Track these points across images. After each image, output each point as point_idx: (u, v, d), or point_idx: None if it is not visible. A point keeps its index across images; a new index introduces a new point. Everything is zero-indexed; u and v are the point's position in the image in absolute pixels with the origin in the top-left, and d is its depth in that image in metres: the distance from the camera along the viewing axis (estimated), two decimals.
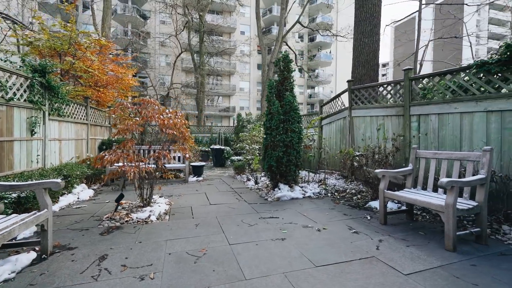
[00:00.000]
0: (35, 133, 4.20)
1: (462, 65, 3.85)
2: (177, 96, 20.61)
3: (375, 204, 4.11)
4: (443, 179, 2.48)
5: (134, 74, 28.62)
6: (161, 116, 3.49)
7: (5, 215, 2.26)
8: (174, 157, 7.08)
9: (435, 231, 3.04)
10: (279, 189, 4.97)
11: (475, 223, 2.98)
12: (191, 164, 7.32)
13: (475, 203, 2.69)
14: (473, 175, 2.86)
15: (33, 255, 2.28)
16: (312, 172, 7.09)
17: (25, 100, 3.99)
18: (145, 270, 2.13)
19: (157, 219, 3.52)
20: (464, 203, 2.73)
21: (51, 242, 2.43)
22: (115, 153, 3.18)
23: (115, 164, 3.64)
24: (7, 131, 3.63)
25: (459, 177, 3.05)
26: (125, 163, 3.27)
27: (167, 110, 4.03)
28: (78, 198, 4.50)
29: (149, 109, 3.48)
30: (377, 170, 3.33)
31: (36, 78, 4.14)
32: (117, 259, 2.32)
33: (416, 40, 10.86)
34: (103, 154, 3.17)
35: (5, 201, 2.87)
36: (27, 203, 3.18)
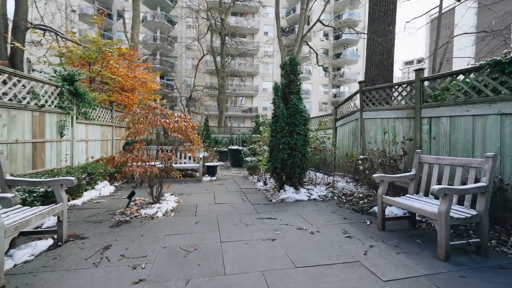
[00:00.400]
0: (64, 135, 4.76)
1: (474, 65, 3.60)
2: (199, 98, 21.37)
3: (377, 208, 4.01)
4: (435, 186, 2.41)
5: (161, 76, 29.96)
6: (167, 120, 3.76)
7: (29, 207, 2.66)
8: (190, 157, 7.43)
9: (434, 239, 2.90)
10: (284, 190, 5.04)
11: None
12: (206, 164, 7.63)
13: (474, 212, 2.55)
14: (476, 182, 2.71)
15: (50, 242, 2.65)
16: (326, 174, 7.03)
17: (55, 106, 4.54)
18: (139, 260, 2.38)
19: (163, 215, 3.81)
20: (462, 212, 2.60)
21: (66, 231, 2.79)
22: (125, 154, 3.52)
23: (134, 164, 4.01)
24: (40, 134, 4.18)
25: (463, 184, 2.90)
26: (133, 163, 3.59)
27: (176, 114, 4.33)
28: (99, 194, 4.98)
29: (156, 114, 3.78)
30: (374, 175, 3.28)
31: (65, 86, 4.68)
32: (118, 249, 2.61)
33: (436, 38, 10.07)
34: (114, 155, 3.53)
35: (34, 194, 3.33)
36: (53, 196, 3.62)
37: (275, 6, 15.40)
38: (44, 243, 2.58)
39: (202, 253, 2.55)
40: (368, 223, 3.53)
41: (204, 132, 13.09)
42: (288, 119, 4.93)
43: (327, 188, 5.52)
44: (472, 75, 3.64)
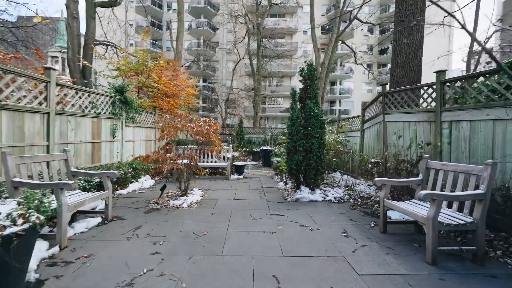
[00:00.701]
0: (115, 136, 5.80)
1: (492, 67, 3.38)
2: (237, 100, 22.38)
3: (392, 213, 4.02)
4: (422, 191, 2.49)
5: (204, 80, 31.99)
6: (191, 125, 4.39)
7: (86, 192, 3.50)
8: (223, 157, 8.10)
9: None
10: (300, 191, 5.29)
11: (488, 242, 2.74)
12: (234, 163, 8.22)
13: (469, 220, 2.54)
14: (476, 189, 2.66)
15: (99, 220, 3.45)
16: (352, 176, 7.00)
17: (109, 113, 5.58)
18: (160, 239, 2.98)
19: (188, 206, 4.44)
20: (456, 218, 2.60)
21: (111, 213, 3.58)
22: (157, 153, 4.24)
23: (177, 161, 4.75)
24: (97, 135, 5.22)
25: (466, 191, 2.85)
26: (163, 161, 4.30)
27: (201, 119, 4.96)
28: (142, 186, 5.91)
29: (183, 121, 4.43)
30: (376, 179, 3.37)
31: (117, 97, 5.71)
32: (146, 229, 3.27)
33: (472, 34, 8.69)
34: (149, 153, 4.28)
35: (91, 183, 4.25)
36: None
37: (310, 7, 15.35)
38: (95, 220, 3.38)
39: (209, 238, 3.05)
40: (372, 225, 3.62)
41: (237, 133, 13.82)
42: (304, 122, 5.17)
43: (345, 191, 5.58)
44: (495, 77, 3.44)
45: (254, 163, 12.90)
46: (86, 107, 4.87)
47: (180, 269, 2.31)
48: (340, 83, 36.01)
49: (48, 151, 3.93)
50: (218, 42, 33.94)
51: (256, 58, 20.14)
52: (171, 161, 4.33)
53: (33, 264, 2.15)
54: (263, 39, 21.58)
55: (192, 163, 4.72)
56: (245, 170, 9.29)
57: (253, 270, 2.32)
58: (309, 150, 5.10)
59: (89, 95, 4.92)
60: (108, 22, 15.47)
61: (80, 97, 4.70)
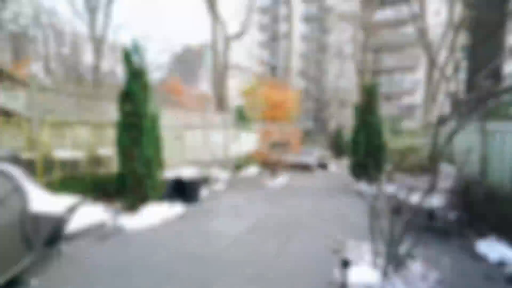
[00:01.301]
0: (237, 139, 9.24)
1: None
2: (345, 101, 22.97)
3: None
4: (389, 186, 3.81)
5: (316, 82, 33.43)
6: (274, 134, 6.90)
7: (219, 170, 6.77)
8: (313, 155, 10.20)
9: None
10: (359, 184, 6.65)
11: None
12: (319, 161, 10.07)
13: (436, 205, 3.61)
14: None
15: (226, 185, 6.62)
16: None
17: (233, 125, 9.05)
18: (251, 195, 5.69)
19: (272, 185, 7.00)
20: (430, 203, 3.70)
21: (231, 182, 6.68)
22: (257, 152, 7.06)
23: (269, 157, 7.58)
24: (227, 139, 8.75)
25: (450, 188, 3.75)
26: (257, 156, 7.05)
27: (287, 128, 7.39)
28: (251, 171, 9.04)
29: (271, 130, 7.02)
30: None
31: (237, 115, 9.11)
32: (245, 193, 6.07)
33: None
34: (252, 151, 7.16)
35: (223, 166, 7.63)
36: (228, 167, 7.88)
37: None
38: (221, 187, 6.58)
39: (274, 199, 5.45)
40: None
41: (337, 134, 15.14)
42: (364, 130, 6.49)
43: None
44: None
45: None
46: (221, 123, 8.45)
47: (255, 207, 4.89)
48: None
49: None
50: (330, 44, 34.79)
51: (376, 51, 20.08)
52: (265, 156, 7.04)
53: (202, 194, 5.34)
54: (376, 33, 20.98)
55: (278, 158, 7.26)
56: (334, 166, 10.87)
57: (286, 211, 4.56)
58: (367, 153, 6.40)
59: (223, 115, 8.49)
60: (236, 52, 20.37)
61: (218, 116, 8.30)
